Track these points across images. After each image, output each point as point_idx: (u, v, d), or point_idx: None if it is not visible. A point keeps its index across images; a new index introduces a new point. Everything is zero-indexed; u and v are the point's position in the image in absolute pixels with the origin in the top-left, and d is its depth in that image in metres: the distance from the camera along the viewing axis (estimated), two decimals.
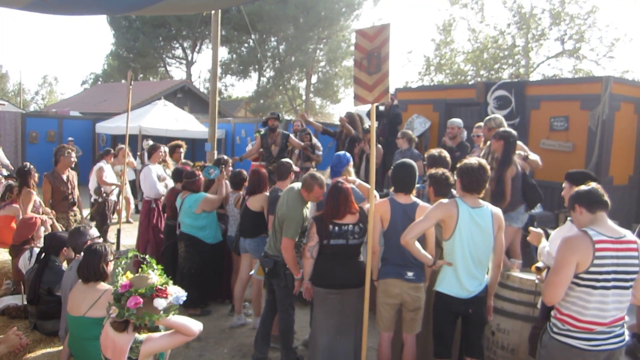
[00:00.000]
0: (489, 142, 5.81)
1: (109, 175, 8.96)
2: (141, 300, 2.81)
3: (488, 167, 3.82)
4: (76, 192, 7.00)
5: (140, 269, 2.98)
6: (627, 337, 3.07)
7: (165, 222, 6.71)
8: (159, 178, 7.23)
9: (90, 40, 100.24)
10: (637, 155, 8.17)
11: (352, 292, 4.22)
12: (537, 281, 3.99)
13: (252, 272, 5.25)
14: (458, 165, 3.81)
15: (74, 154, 7.06)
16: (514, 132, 5.29)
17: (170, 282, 2.97)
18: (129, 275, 2.95)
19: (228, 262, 6.27)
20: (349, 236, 4.21)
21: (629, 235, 3.03)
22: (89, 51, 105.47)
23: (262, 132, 8.39)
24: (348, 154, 5.22)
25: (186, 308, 5.85)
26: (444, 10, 32.23)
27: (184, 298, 2.97)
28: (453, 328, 3.80)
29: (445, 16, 29.85)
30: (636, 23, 48.31)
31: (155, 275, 2.95)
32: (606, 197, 3.09)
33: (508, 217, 5.14)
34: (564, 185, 3.92)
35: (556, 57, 24.36)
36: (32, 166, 6.50)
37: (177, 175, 6.54)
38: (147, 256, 3.10)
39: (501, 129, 5.44)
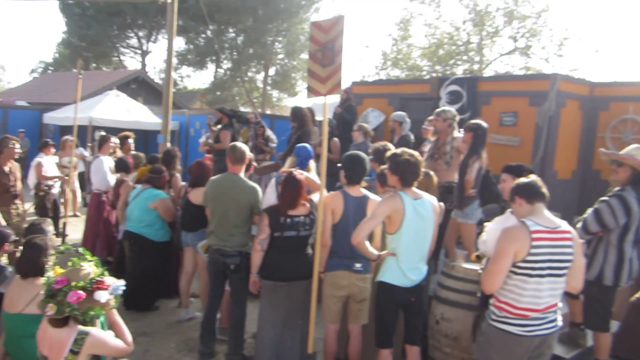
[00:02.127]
0: (437, 134, 5.90)
1: (49, 169, 8.66)
2: (83, 294, 2.74)
3: (422, 159, 3.87)
4: (19, 184, 6.75)
5: (70, 263, 2.89)
6: (560, 322, 3.19)
7: (116, 214, 6.54)
8: (109, 170, 7.06)
9: (41, 28, 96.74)
10: (581, 151, 8.47)
11: (299, 284, 4.22)
12: (480, 271, 4.09)
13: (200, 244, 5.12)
14: (388, 162, 3.82)
15: (18, 145, 6.80)
16: (484, 125, 5.32)
17: (106, 272, 2.92)
18: (59, 269, 2.86)
19: (176, 258, 6.16)
20: (300, 228, 4.21)
21: (564, 225, 3.15)
22: (39, 39, 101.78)
23: (218, 125, 8.36)
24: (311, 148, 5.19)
25: (129, 310, 5.70)
26: (403, 9, 32.44)
27: (123, 287, 2.93)
28: (396, 317, 3.86)
29: (404, 12, 30.14)
30: (585, 23, 50.08)
31: (89, 267, 2.88)
32: (544, 189, 3.20)
33: (462, 214, 5.25)
34: (503, 178, 4.01)
35: (509, 55, 24.98)
36: None
37: (119, 165, 6.39)
38: (79, 249, 3.03)
39: (471, 121, 5.50)
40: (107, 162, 7.09)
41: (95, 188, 7.14)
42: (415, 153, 3.84)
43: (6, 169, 6.55)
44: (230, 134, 8.09)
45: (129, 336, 3.09)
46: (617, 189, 4.17)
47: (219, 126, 8.31)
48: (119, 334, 3.08)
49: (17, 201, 6.62)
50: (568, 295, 4.33)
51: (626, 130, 7.98)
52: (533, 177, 3.29)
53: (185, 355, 4.82)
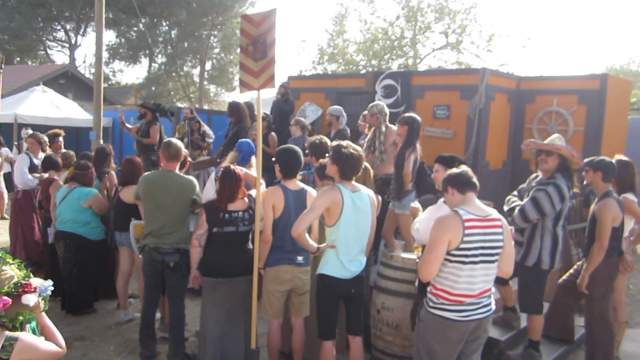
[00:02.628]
0: (373, 128, 6.01)
1: None
2: (9, 300, 2.61)
3: (364, 154, 3.94)
4: None
5: None
6: (493, 306, 3.34)
7: (44, 214, 6.26)
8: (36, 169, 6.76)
9: None
10: (510, 142, 8.86)
11: (241, 280, 4.20)
12: (417, 260, 4.21)
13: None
14: (333, 151, 3.85)
15: None
16: (418, 118, 5.44)
17: (31, 274, 2.80)
18: None
19: (112, 258, 5.99)
20: (239, 223, 4.18)
21: (494, 213, 3.29)
22: None
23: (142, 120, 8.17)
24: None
25: (73, 313, 5.52)
26: (338, 4, 32.62)
27: (51, 287, 2.82)
28: (337, 309, 3.91)
29: (339, 7, 30.34)
30: (512, 19, 52.28)
31: (11, 271, 2.74)
32: (475, 179, 3.33)
33: (400, 205, 5.37)
34: (435, 168, 4.14)
35: (441, 50, 25.75)
36: None
37: (47, 163, 6.14)
38: None
39: (406, 114, 5.60)
40: (25, 160, 6.82)
41: (17, 187, 6.87)
42: (359, 148, 3.89)
43: None
44: (158, 128, 7.91)
45: (61, 339, 2.96)
46: (546, 177, 4.37)
47: (142, 121, 8.10)
48: (50, 337, 2.95)
49: None
50: (498, 282, 4.52)
51: (551, 121, 8.41)
52: (464, 168, 3.42)
53: (125, 357, 4.70)
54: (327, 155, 4.04)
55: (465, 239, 3.11)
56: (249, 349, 4.15)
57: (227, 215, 4.13)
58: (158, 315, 4.97)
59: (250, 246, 4.27)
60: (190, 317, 4.94)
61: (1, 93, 8.20)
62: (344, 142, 3.87)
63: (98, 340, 5.02)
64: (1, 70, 7.75)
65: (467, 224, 3.12)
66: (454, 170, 3.38)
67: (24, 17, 30.00)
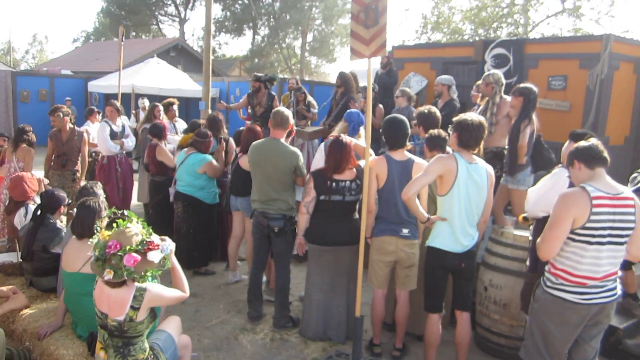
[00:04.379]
0: (486, 99, 5.73)
1: (96, 136, 8.87)
2: (138, 257, 2.81)
3: (486, 124, 3.77)
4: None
5: (115, 225, 2.94)
6: (619, 291, 3.10)
7: (151, 178, 6.63)
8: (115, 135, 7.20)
9: None
10: (634, 116, 8.12)
11: (346, 249, 4.23)
12: (529, 237, 4.00)
13: None
14: (455, 119, 3.75)
15: (68, 111, 6.96)
16: (535, 89, 5.14)
17: (152, 232, 2.98)
18: (105, 232, 2.92)
19: (222, 222, 6.27)
20: (345, 192, 4.20)
21: (626, 191, 3.02)
22: (80, 9, 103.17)
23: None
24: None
25: (188, 268, 5.89)
26: None
27: (172, 246, 2.99)
28: (445, 283, 3.83)
29: None
30: None
31: (136, 229, 2.93)
32: (605, 154, 3.07)
33: (514, 180, 5.13)
34: (566, 144, 3.86)
35: (555, 16, 23.99)
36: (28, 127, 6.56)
37: (154, 130, 6.48)
38: (124, 211, 3.08)
39: (521, 85, 5.31)
40: (106, 128, 7.22)
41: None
42: (481, 117, 3.74)
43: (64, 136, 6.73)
44: (275, 98, 8.11)
45: (186, 284, 3.22)
46: None
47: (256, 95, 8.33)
48: (176, 279, 3.20)
49: (76, 168, 6.82)
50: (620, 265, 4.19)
51: None
52: (593, 141, 3.16)
53: (234, 316, 4.93)
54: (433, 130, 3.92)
55: (593, 217, 2.88)
56: (353, 316, 4.18)
57: (334, 184, 4.15)
58: (264, 278, 5.15)
59: (357, 216, 4.27)
60: (294, 282, 5.06)
61: (122, 64, 8.78)
62: (469, 114, 3.75)
63: (209, 299, 5.31)
64: (122, 43, 8.29)
65: (595, 202, 2.89)
66: (582, 143, 3.13)
67: None
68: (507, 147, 5.35)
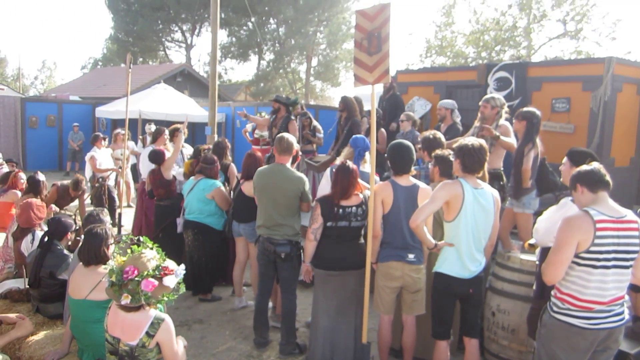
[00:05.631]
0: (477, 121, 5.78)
1: (103, 162, 8.98)
2: (156, 282, 2.85)
3: (487, 146, 3.80)
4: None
5: (130, 250, 2.99)
6: (627, 315, 3.08)
7: (156, 203, 6.64)
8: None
9: (89, 25, 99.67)
10: (639, 137, 8.13)
11: (352, 274, 4.22)
12: (536, 262, 3.99)
13: None
14: (455, 146, 3.78)
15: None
16: (538, 112, 5.19)
17: (166, 257, 3.01)
18: (120, 258, 2.96)
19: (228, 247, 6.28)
20: (352, 218, 4.20)
21: (630, 215, 3.02)
22: (88, 36, 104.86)
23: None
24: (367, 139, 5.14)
25: (195, 294, 5.89)
26: None
27: (184, 271, 3.02)
28: (453, 309, 3.81)
29: None
30: (638, 3, 47.80)
31: (151, 254, 2.97)
32: (608, 177, 3.08)
33: (519, 204, 5.13)
34: (563, 162, 3.88)
35: (558, 39, 24.18)
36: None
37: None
38: (139, 237, 3.12)
39: (524, 108, 5.36)
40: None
41: (142, 177, 7.38)
42: (482, 141, 3.77)
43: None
44: (296, 125, 8.02)
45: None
46: None
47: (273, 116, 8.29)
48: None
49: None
50: (630, 288, 4.16)
51: None
52: (595, 164, 3.18)
53: (240, 343, 4.90)
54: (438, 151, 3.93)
55: (597, 241, 2.89)
56: (360, 342, 4.16)
57: (341, 210, 4.16)
58: (270, 304, 5.14)
59: (362, 241, 4.28)
60: (301, 308, 5.04)
61: (129, 90, 8.89)
62: (469, 139, 3.77)
63: (215, 325, 5.29)
64: (130, 70, 8.41)
65: (598, 225, 2.90)
66: (585, 167, 3.15)
67: (146, 19, 32.38)
68: (502, 168, 5.39)
